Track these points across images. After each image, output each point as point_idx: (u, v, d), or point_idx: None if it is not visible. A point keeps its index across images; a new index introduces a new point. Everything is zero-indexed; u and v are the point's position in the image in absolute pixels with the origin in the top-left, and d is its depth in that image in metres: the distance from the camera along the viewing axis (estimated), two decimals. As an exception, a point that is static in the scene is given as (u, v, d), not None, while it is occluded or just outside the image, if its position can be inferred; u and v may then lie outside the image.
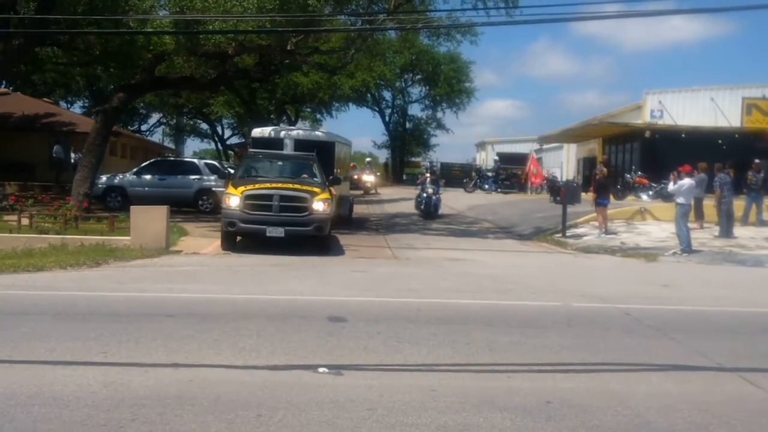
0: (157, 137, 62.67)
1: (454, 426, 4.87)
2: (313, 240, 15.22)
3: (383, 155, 74.66)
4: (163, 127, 64.12)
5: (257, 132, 22.72)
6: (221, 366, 6.09)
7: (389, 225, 23.47)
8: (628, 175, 31.78)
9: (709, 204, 21.20)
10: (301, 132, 23.73)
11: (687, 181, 17.10)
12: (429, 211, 25.72)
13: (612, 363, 6.73)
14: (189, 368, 5.96)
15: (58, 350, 6.38)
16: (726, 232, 19.30)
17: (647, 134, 32.85)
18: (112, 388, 5.38)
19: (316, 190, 15.46)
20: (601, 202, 20.34)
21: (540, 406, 5.34)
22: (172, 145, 62.00)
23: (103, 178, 25.24)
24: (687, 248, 16.56)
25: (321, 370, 6.05)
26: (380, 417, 4.97)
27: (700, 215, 20.72)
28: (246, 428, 4.67)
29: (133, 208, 15.18)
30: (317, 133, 25.11)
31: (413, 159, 66.34)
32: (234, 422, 4.76)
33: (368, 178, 44.42)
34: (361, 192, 40.62)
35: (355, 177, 40.51)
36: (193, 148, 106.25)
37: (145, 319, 7.83)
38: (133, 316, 8.05)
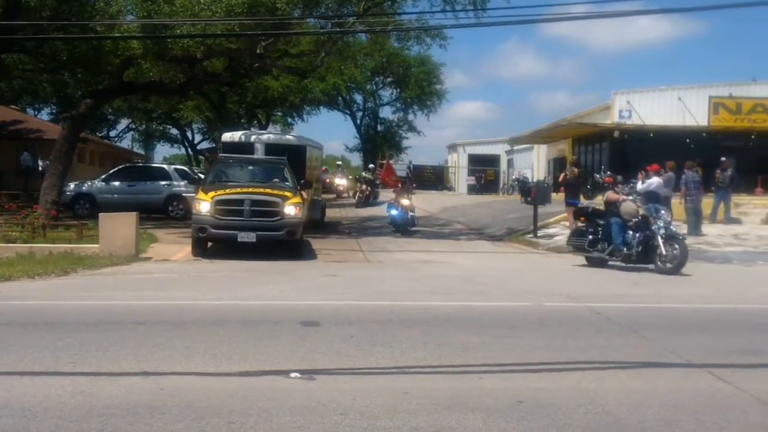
0: (126, 143, 62.24)
1: (427, 428, 4.87)
2: (286, 244, 15.17)
3: (355, 158, 74.70)
4: (132, 132, 63.64)
5: (227, 136, 22.63)
6: (192, 373, 6.04)
7: (362, 228, 23.48)
8: (598, 175, 31.98)
9: (677, 202, 21.43)
10: (271, 136, 23.68)
11: (655, 180, 17.29)
12: (406, 229, 22.30)
13: (583, 362, 6.77)
14: (160, 376, 5.90)
15: (25, 360, 6.29)
16: (694, 229, 19.52)
17: (616, 134, 33.14)
18: (81, 398, 5.31)
19: (287, 194, 15.41)
20: (571, 203, 20.48)
21: (512, 406, 5.35)
22: (141, 151, 61.50)
23: (72, 186, 24.99)
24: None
25: (293, 375, 6.02)
26: (353, 421, 4.96)
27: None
28: (217, 435, 4.64)
29: (101, 215, 15.03)
30: (288, 136, 25.08)
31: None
32: (205, 430, 4.73)
33: (340, 182, 43.15)
34: (334, 196, 39.79)
35: (327, 180, 39.83)
36: (163, 153, 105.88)
37: (115, 328, 7.76)
38: (103, 324, 7.96)
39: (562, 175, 22.40)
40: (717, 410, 5.39)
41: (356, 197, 34.48)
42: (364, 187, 33.89)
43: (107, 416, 4.92)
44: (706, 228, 20.16)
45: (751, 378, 6.33)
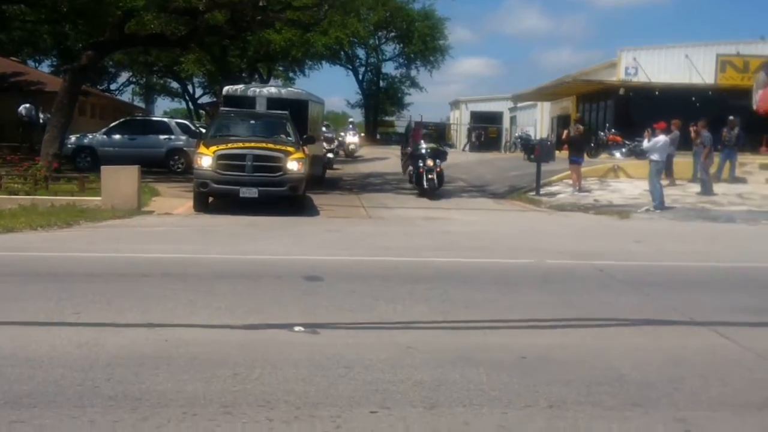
0: (126, 96, 61.89)
1: (430, 382, 4.88)
2: (287, 200, 15.11)
3: (357, 114, 74.29)
4: (132, 86, 63.24)
5: (228, 90, 22.42)
6: (197, 326, 6.05)
7: (363, 185, 23.43)
8: (602, 133, 31.90)
9: (680, 161, 21.39)
10: (273, 90, 23.43)
11: (662, 138, 17.18)
12: (433, 187, 19.25)
13: (586, 318, 6.77)
14: (164, 328, 5.91)
15: (30, 311, 6.30)
16: (709, 189, 19.48)
17: (621, 92, 32.93)
18: (86, 348, 5.32)
19: (290, 149, 15.30)
20: (575, 160, 20.43)
21: (515, 362, 5.36)
22: (142, 105, 61.18)
23: (73, 138, 24.83)
24: (660, 205, 16.70)
25: (297, 329, 6.03)
26: (357, 375, 4.97)
27: (671, 172, 20.88)
28: (223, 387, 4.64)
29: (103, 168, 14.96)
30: (290, 90, 24.81)
31: (387, 118, 66.06)
32: (211, 381, 4.74)
33: (352, 140, 39.72)
34: (343, 154, 36.95)
35: (330, 137, 34.24)
36: (163, 107, 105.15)
37: (119, 279, 7.77)
38: (106, 276, 7.97)
39: (565, 133, 22.29)
40: (721, 367, 5.40)
41: (410, 172, 21.49)
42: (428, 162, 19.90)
43: (113, 366, 4.93)
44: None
45: (755, 336, 6.33)
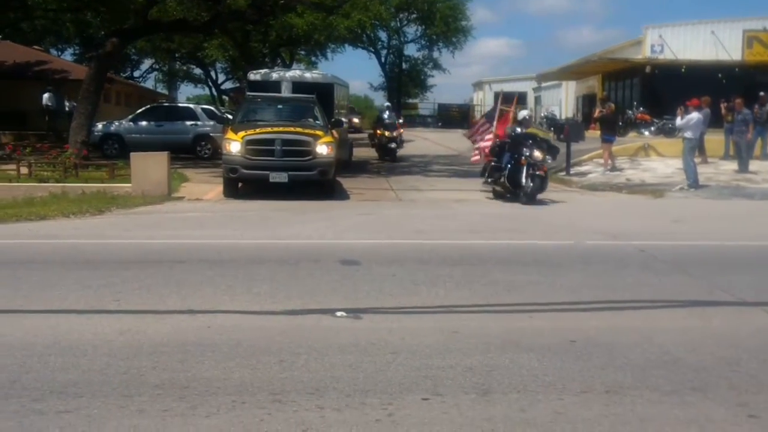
0: (149, 83, 61.92)
1: (481, 367, 4.76)
2: (317, 184, 14.99)
3: (379, 98, 73.92)
4: (155, 73, 63.29)
5: (253, 75, 22.35)
6: (237, 312, 5.97)
7: (391, 168, 23.24)
8: (630, 112, 31.50)
9: (711, 139, 21.05)
10: (298, 74, 23.34)
11: (695, 116, 16.87)
12: (536, 190, 14.34)
13: (632, 300, 6.62)
14: (205, 314, 5.84)
15: (70, 299, 6.24)
16: (746, 166, 19.16)
17: (647, 69, 32.48)
18: (129, 335, 5.26)
19: (318, 133, 15.16)
20: (607, 139, 20.18)
21: (565, 346, 5.23)
22: (165, 92, 61.23)
23: (100, 126, 24.89)
24: (694, 183, 16.44)
25: (339, 314, 5.93)
26: (404, 360, 4.86)
27: (702, 150, 20.55)
28: (270, 374, 4.56)
29: (133, 154, 14.93)
30: (315, 74, 24.67)
31: (410, 101, 65.71)
32: (257, 368, 4.65)
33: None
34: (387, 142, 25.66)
35: (391, 123, 25.86)
36: (186, 93, 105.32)
37: (156, 266, 7.71)
38: (143, 263, 7.92)
39: (597, 111, 21.96)
40: (778, 349, 5.24)
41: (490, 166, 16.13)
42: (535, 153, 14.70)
43: (157, 354, 4.86)
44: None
45: (809, 317, 6.15)
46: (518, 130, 15.35)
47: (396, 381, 4.49)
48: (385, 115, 26.43)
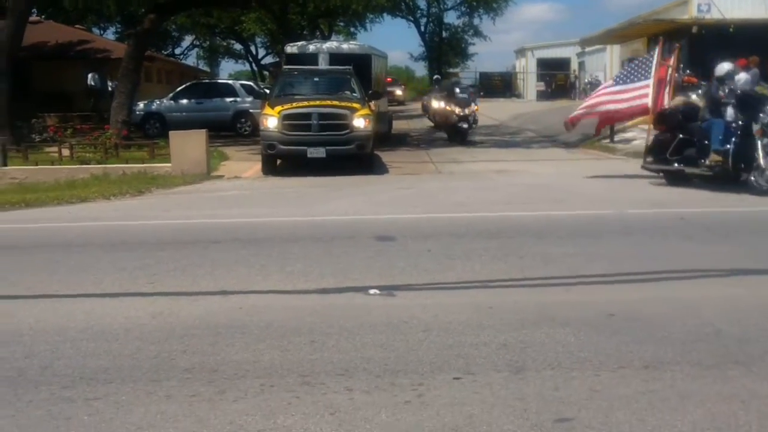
0: (191, 60, 62.31)
1: (515, 344, 4.66)
2: (356, 158, 14.89)
3: (420, 68, 73.41)
4: (196, 49, 63.64)
5: (290, 48, 22.31)
6: (270, 292, 5.94)
7: (430, 140, 23.07)
8: (677, 74, 30.73)
9: None
10: (335, 45, 23.23)
11: (743, 76, 16.27)
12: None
13: (674, 270, 6.43)
14: (237, 295, 5.82)
15: (105, 282, 6.28)
16: None
17: (694, 30, 31.53)
18: (161, 318, 5.26)
19: (355, 105, 15.06)
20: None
21: (602, 320, 5.10)
22: (206, 68, 61.60)
23: (141, 105, 25.10)
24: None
25: (372, 291, 5.86)
26: (437, 338, 4.78)
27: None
28: (300, 355, 4.51)
29: (172, 133, 15.01)
30: (352, 45, 24.49)
31: (451, 70, 65.16)
32: (287, 349, 4.61)
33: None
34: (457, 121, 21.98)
35: (465, 99, 22.06)
36: (227, 70, 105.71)
37: (191, 247, 7.72)
38: (179, 243, 7.94)
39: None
40: (827, 320, 5.04)
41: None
42: None
43: (188, 337, 4.85)
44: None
45: None
46: (719, 91, 11.84)
47: (427, 360, 4.41)
48: (457, 89, 22.70)
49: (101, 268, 6.76)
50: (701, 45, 31.32)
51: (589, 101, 14.27)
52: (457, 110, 21.01)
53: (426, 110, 24.78)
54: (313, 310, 5.44)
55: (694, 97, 12.48)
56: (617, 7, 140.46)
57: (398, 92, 46.40)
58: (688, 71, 30.29)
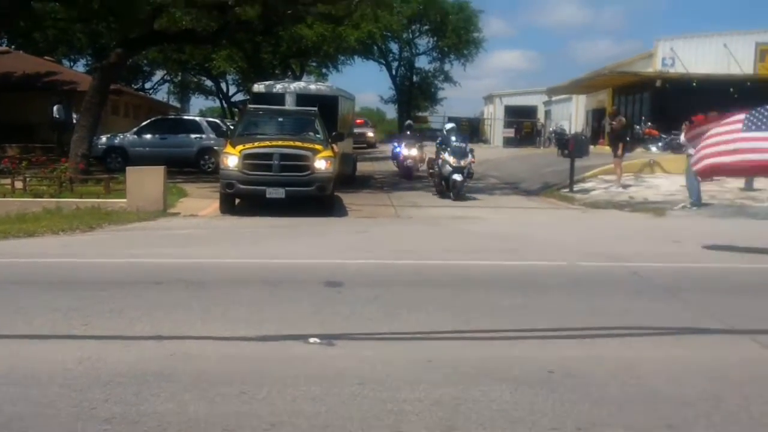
0: (161, 95, 62.07)
1: (450, 400, 4.57)
2: (316, 200, 14.81)
3: (390, 110, 73.90)
4: (167, 84, 63.46)
5: (257, 87, 22.33)
6: (207, 338, 5.78)
7: (393, 183, 23.07)
8: (638, 127, 31.22)
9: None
10: (302, 86, 23.24)
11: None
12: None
13: (620, 327, 6.38)
14: (173, 341, 5.66)
15: (36, 323, 6.07)
16: (751, 184, 18.86)
17: (658, 83, 32.19)
18: (88, 364, 5.08)
19: (318, 147, 15.01)
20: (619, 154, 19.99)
21: (542, 377, 5.02)
22: (177, 103, 61.40)
23: (104, 139, 24.89)
24: (697, 201, 16.17)
25: (312, 340, 5.73)
26: (371, 392, 4.67)
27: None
28: (227, 407, 4.37)
29: (129, 169, 14.81)
30: (319, 86, 24.56)
31: (420, 114, 65.65)
32: (215, 401, 4.47)
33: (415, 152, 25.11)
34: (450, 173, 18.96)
35: (463, 148, 19.18)
36: (198, 105, 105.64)
37: (133, 287, 7.53)
38: (121, 283, 7.74)
39: (618, 120, 21.69)
40: (763, 383, 5.01)
41: None
42: None
43: (113, 385, 4.68)
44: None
45: (800, 347, 5.92)
46: None
47: (358, 416, 4.30)
48: (453, 137, 19.34)
49: (35, 307, 6.55)
50: (665, 97, 31.96)
51: (714, 148, 11.00)
52: (452, 160, 18.39)
53: (430, 165, 20.71)
54: (249, 358, 5.31)
55: None
56: (586, 57, 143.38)
57: (370, 134, 46.08)
58: (649, 124, 30.97)
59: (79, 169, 17.43)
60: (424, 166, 23.51)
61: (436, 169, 19.10)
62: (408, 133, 26.13)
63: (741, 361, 5.52)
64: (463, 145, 18.98)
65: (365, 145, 42.62)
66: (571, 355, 5.61)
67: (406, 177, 23.60)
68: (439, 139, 20.12)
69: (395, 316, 6.54)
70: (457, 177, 18.28)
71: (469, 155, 18.60)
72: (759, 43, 32.79)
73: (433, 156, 19.70)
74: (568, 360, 5.41)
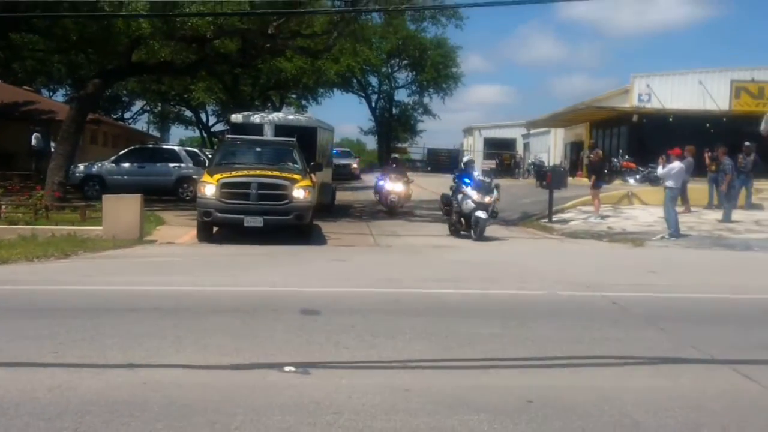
0: (141, 125, 61.89)
1: (426, 430, 4.50)
2: (294, 229, 14.74)
3: (370, 141, 74.14)
4: (147, 114, 63.30)
5: (236, 117, 22.29)
6: (180, 366, 5.67)
7: (373, 212, 23.03)
8: (615, 160, 31.48)
9: (694, 187, 20.97)
10: (281, 116, 23.22)
11: (677, 165, 16.77)
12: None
13: (598, 356, 6.35)
14: (145, 369, 5.54)
15: (6, 350, 5.94)
16: (729, 216, 19.01)
17: (635, 118, 32.49)
18: (58, 392, 4.96)
19: (296, 176, 14.97)
20: (597, 185, 20.11)
21: (520, 407, 4.96)
22: (157, 133, 61.22)
23: (81, 167, 24.74)
24: (675, 232, 16.25)
25: (287, 369, 5.64)
26: (347, 422, 4.58)
27: (685, 199, 20.44)
28: (198, 437, 4.27)
29: (105, 196, 14.70)
30: (298, 117, 24.57)
31: (400, 145, 65.88)
32: (185, 430, 4.37)
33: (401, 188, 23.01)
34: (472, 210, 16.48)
35: (487, 183, 16.90)
36: (178, 135, 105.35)
37: (106, 315, 7.39)
38: (94, 311, 7.60)
39: (596, 153, 21.91)
40: (743, 413, 4.98)
41: None
42: None
43: (82, 414, 4.56)
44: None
45: (778, 376, 5.89)
46: None
47: (332, 446, 4.21)
48: (475, 172, 17.39)
49: (4, 334, 6.41)
50: (641, 132, 32.28)
51: None
52: (476, 196, 16.00)
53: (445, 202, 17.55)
54: (223, 387, 5.21)
55: None
56: (564, 92, 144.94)
57: (354, 165, 44.80)
58: (626, 157, 31.24)
59: (56, 197, 17.27)
60: (410, 203, 23.14)
61: (455, 205, 16.55)
62: (394, 165, 24.32)
63: (720, 391, 5.49)
64: (488, 179, 16.83)
65: (350, 176, 41.35)
66: (550, 384, 5.55)
67: (389, 213, 22.02)
68: (457, 172, 18.25)
69: (372, 345, 6.46)
70: (481, 214, 15.88)
71: (495, 192, 16.51)
72: (734, 80, 33.21)
73: (449, 192, 17.26)
74: (546, 389, 5.35)
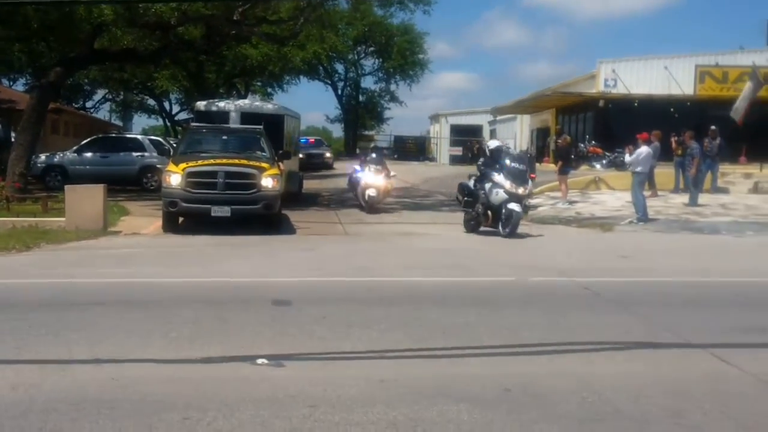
0: (103, 114, 60.93)
1: (406, 422, 4.38)
2: (262, 218, 14.51)
3: (336, 129, 73.84)
4: (109, 103, 62.33)
5: (200, 105, 21.93)
6: (150, 360, 5.50)
7: (341, 200, 22.87)
8: (582, 145, 31.63)
9: (661, 172, 21.09)
10: (247, 103, 22.91)
11: (645, 150, 16.82)
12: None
13: (574, 342, 6.28)
14: (112, 364, 5.37)
15: (-35, 347, 5.73)
16: (696, 200, 19.16)
17: (601, 104, 32.66)
18: (22, 390, 4.77)
19: (264, 165, 14.72)
20: (564, 171, 20.14)
21: (499, 395, 4.88)
22: (119, 122, 60.34)
23: (42, 157, 24.27)
24: (643, 217, 16.32)
25: (260, 361, 5.50)
26: (322, 415, 4.46)
27: (653, 183, 20.55)
28: (170, 434, 4.12)
29: (67, 187, 14.35)
30: (265, 105, 24.28)
31: (366, 133, 65.71)
32: (156, 427, 4.21)
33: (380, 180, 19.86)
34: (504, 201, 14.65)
35: (522, 170, 14.96)
36: (141, 124, 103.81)
37: (70, 309, 7.18)
38: (58, 304, 7.38)
39: (564, 138, 21.98)
40: (723, 398, 4.94)
41: None
42: None
43: (48, 412, 4.39)
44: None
45: (756, 359, 5.88)
46: None
47: (310, 441, 4.09)
48: (508, 160, 14.84)
49: (-36, 331, 6.19)
50: (608, 117, 32.46)
51: None
52: (508, 185, 14.15)
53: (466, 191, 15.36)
54: (194, 381, 5.06)
55: None
56: (530, 78, 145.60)
57: (328, 155, 42.77)
58: (593, 142, 31.40)
59: (16, 188, 16.87)
60: (390, 198, 20.60)
61: (482, 195, 14.49)
62: (374, 155, 21.21)
63: (701, 375, 5.48)
64: (523, 167, 14.79)
65: (322, 166, 39.33)
66: (527, 371, 5.49)
67: (367, 211, 18.95)
68: (482, 159, 15.95)
69: (346, 335, 6.34)
70: (515, 207, 13.97)
71: (529, 182, 14.83)
72: (699, 65, 33.47)
73: (467, 181, 15.41)
74: (524, 377, 5.28)
